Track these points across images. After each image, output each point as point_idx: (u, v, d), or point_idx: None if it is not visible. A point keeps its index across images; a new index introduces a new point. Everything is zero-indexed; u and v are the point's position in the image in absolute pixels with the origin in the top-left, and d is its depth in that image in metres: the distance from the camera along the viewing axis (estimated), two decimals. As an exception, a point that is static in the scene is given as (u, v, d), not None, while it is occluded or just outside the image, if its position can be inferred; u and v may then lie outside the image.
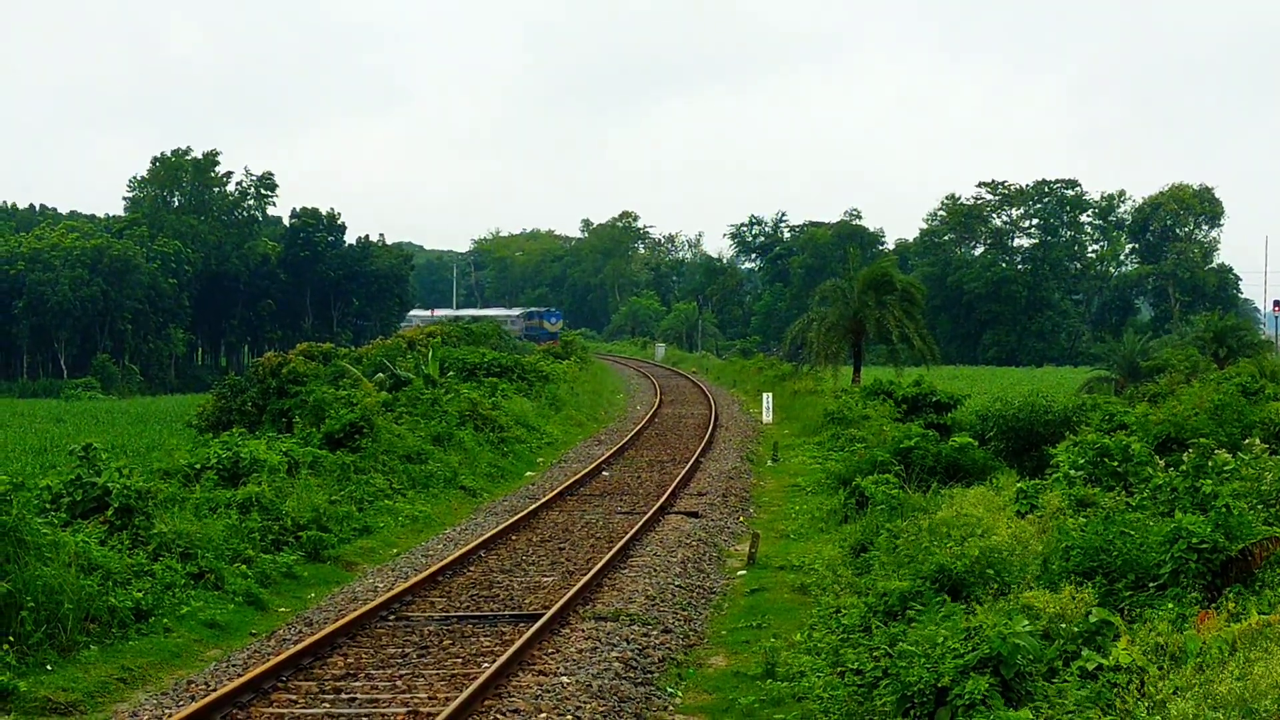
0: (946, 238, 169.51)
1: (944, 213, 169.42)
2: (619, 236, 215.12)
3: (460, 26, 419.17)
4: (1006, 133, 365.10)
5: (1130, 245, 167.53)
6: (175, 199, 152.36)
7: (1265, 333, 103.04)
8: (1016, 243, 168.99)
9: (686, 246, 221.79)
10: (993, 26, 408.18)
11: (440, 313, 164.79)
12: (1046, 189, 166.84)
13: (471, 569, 24.66)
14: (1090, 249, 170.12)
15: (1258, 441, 25.51)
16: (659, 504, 31.37)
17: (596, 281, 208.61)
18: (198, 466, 29.05)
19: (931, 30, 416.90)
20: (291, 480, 29.55)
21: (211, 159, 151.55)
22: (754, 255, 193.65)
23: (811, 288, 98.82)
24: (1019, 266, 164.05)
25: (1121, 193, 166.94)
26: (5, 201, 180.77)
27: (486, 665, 17.35)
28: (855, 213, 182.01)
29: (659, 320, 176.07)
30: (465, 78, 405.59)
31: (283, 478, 29.23)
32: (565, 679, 16.97)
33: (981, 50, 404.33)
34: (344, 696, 16.39)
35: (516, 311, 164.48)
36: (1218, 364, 64.38)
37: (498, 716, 15.42)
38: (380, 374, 52.19)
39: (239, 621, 21.44)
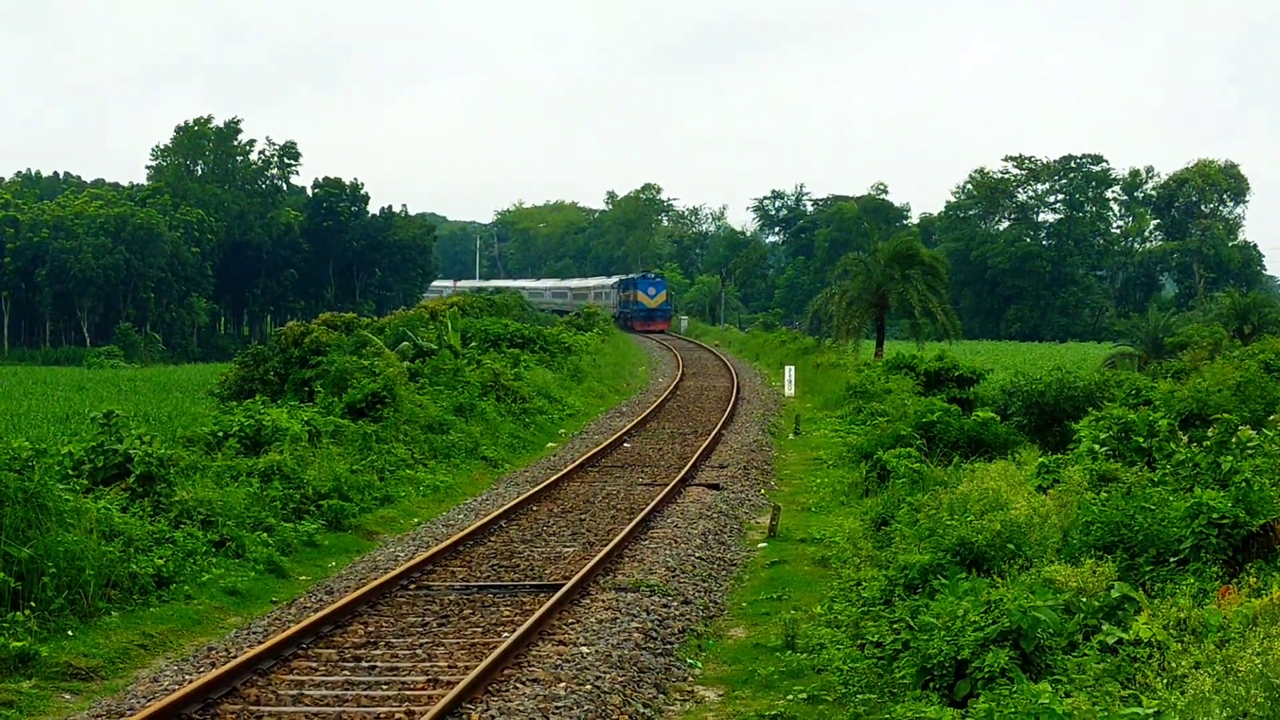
0: (971, 212, 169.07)
1: (971, 186, 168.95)
2: (642, 209, 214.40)
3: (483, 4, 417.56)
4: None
5: (1155, 221, 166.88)
6: (198, 168, 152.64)
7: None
8: (1041, 218, 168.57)
9: (710, 219, 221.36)
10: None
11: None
12: (1072, 164, 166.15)
13: (492, 539, 24.68)
14: (1115, 225, 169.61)
15: (1282, 418, 25.36)
16: (680, 476, 31.34)
17: (620, 254, 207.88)
18: (219, 434, 29.04)
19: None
20: (313, 449, 29.56)
21: (233, 128, 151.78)
22: (777, 229, 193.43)
23: (836, 261, 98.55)
24: (1043, 242, 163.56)
25: (1149, 169, 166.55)
26: (29, 169, 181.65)
27: (506, 635, 17.35)
28: (882, 187, 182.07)
29: (682, 293, 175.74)
30: (489, 52, 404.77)
31: (304, 446, 29.24)
32: (585, 649, 16.98)
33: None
34: (364, 664, 16.43)
35: (611, 281, 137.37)
36: (1242, 340, 64.20)
37: (517, 685, 15.43)
38: (403, 344, 52.26)
39: (260, 589, 21.49)
